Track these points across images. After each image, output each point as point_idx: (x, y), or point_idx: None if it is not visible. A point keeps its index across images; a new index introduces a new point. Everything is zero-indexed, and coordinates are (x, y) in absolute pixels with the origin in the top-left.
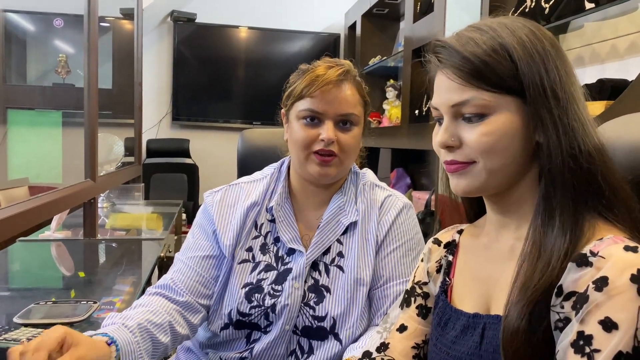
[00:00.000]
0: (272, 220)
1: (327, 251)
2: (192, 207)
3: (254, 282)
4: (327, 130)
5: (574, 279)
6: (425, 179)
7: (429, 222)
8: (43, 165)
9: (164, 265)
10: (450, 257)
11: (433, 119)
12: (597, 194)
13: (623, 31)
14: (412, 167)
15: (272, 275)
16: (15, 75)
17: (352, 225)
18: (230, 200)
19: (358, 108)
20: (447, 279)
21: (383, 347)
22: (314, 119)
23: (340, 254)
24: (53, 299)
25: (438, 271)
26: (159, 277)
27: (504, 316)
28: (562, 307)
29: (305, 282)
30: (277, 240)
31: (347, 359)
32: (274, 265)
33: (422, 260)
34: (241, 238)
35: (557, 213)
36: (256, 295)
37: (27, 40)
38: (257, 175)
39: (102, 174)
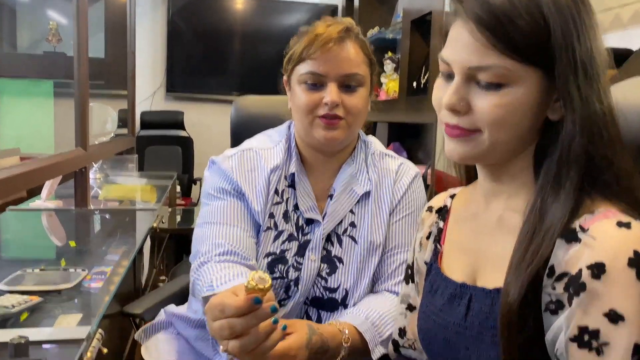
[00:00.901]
0: (290, 186)
1: (339, 222)
2: (186, 180)
3: (277, 252)
4: (330, 93)
5: (564, 257)
6: (422, 154)
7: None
8: (35, 136)
9: (156, 236)
10: (441, 224)
11: (438, 81)
12: (608, 181)
13: (627, 0)
14: (409, 141)
15: (294, 246)
16: (4, 44)
17: (365, 195)
18: (248, 165)
19: (363, 67)
20: (438, 246)
21: (402, 332)
22: (316, 82)
23: (353, 225)
24: (42, 267)
25: (429, 237)
26: (152, 247)
27: (503, 292)
28: (554, 289)
29: None
30: (296, 207)
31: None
32: (295, 235)
33: (417, 232)
34: (267, 203)
35: (563, 192)
36: (279, 266)
37: (17, 8)
38: (261, 138)
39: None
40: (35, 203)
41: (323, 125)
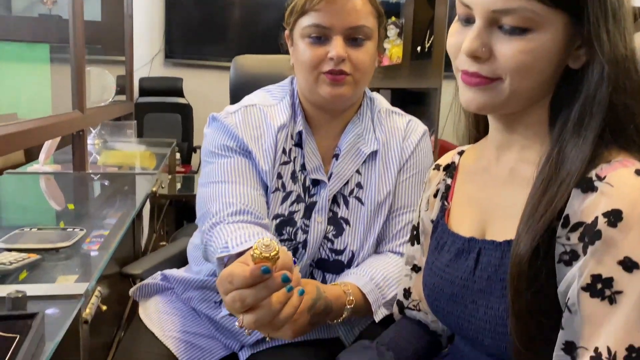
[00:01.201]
0: (297, 145)
1: (345, 182)
2: (186, 148)
3: (286, 214)
4: (335, 47)
5: (580, 207)
6: (425, 121)
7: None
8: (32, 102)
9: (156, 201)
10: (449, 181)
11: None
12: (628, 132)
13: None
14: (412, 108)
15: (302, 208)
16: None
17: (372, 155)
18: (253, 122)
19: (370, 19)
20: (445, 203)
21: (407, 293)
22: (320, 35)
23: (359, 185)
24: (40, 227)
25: (436, 195)
26: (151, 213)
27: (514, 243)
28: (568, 239)
29: None
30: (303, 167)
31: (347, 285)
32: (302, 196)
33: (423, 192)
34: (275, 163)
35: (583, 142)
36: (288, 228)
37: None
38: (261, 94)
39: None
40: (33, 167)
41: (328, 82)
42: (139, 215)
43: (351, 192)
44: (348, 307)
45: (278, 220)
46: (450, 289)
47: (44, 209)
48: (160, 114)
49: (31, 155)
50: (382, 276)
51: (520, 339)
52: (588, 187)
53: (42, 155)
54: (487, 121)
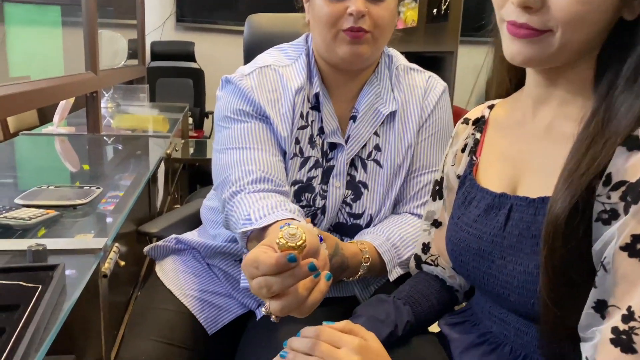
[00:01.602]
0: (314, 108)
1: (363, 145)
2: (198, 114)
3: (304, 180)
4: (355, 2)
5: (624, 165)
6: None
7: None
8: (44, 65)
9: (170, 164)
10: (478, 135)
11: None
12: None
13: None
14: None
15: (320, 173)
16: None
17: (391, 116)
18: (269, 85)
19: None
20: (474, 158)
21: (426, 247)
22: None
23: (378, 148)
24: (56, 185)
25: (464, 150)
26: (166, 175)
27: (551, 200)
28: (609, 198)
29: None
30: (321, 131)
31: (364, 243)
32: (320, 161)
33: (449, 146)
34: (293, 128)
35: (633, 98)
36: (306, 194)
37: None
38: (275, 53)
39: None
40: (48, 129)
41: (347, 40)
42: (154, 177)
43: (369, 155)
44: (364, 264)
45: (296, 187)
46: (477, 244)
47: (60, 169)
48: (172, 78)
49: (45, 117)
50: (398, 236)
51: (550, 296)
52: (634, 145)
53: (56, 117)
54: (523, 74)
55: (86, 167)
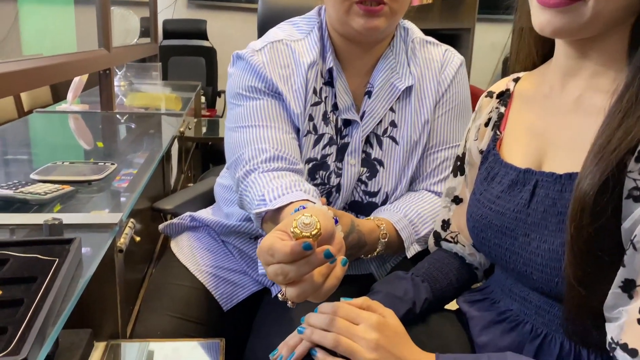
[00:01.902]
0: (327, 84)
1: (379, 121)
2: (211, 92)
3: (318, 157)
4: None
5: None
6: None
7: None
8: (57, 43)
9: (183, 143)
10: (503, 109)
11: None
12: None
13: None
14: None
15: (334, 150)
16: None
17: (407, 91)
18: (281, 60)
19: None
20: (498, 132)
21: (445, 224)
22: None
23: (393, 124)
24: (71, 161)
25: (487, 124)
26: (179, 154)
27: (579, 176)
28: None
29: None
30: (335, 107)
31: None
32: (335, 138)
33: (472, 121)
34: (306, 105)
35: None
36: (321, 172)
37: None
38: (286, 27)
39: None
40: (62, 106)
41: (362, 13)
42: (168, 155)
43: (385, 131)
44: (382, 240)
45: (310, 165)
46: (500, 221)
47: (74, 146)
48: (184, 57)
49: (59, 96)
50: (415, 213)
51: (575, 275)
52: None
53: (70, 94)
54: (551, 46)
55: (100, 144)
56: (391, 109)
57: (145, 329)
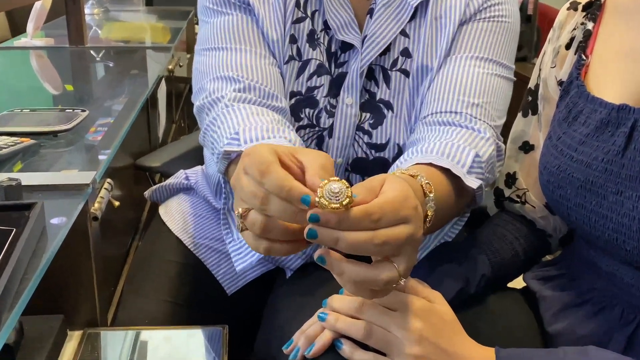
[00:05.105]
0: None
1: (386, 49)
2: None
3: (303, 90)
4: None
5: None
6: None
7: (523, 31)
8: None
9: (172, 83)
10: (591, 25)
11: None
12: None
13: None
14: None
15: (326, 81)
16: None
17: (422, 7)
18: None
19: None
20: (584, 56)
21: (510, 179)
22: None
23: (406, 53)
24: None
25: (569, 46)
26: (168, 98)
27: None
28: None
29: None
30: (326, 25)
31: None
32: (327, 66)
33: (548, 42)
34: (286, 22)
35: None
36: (307, 110)
37: None
38: None
39: None
40: (21, 41)
41: None
42: (153, 99)
43: (394, 62)
44: (429, 195)
45: (294, 100)
46: (583, 173)
47: (37, 90)
48: None
49: (17, 29)
50: (448, 146)
51: None
52: None
53: (29, 26)
54: None
55: (69, 87)
56: (404, 33)
57: (129, 316)
